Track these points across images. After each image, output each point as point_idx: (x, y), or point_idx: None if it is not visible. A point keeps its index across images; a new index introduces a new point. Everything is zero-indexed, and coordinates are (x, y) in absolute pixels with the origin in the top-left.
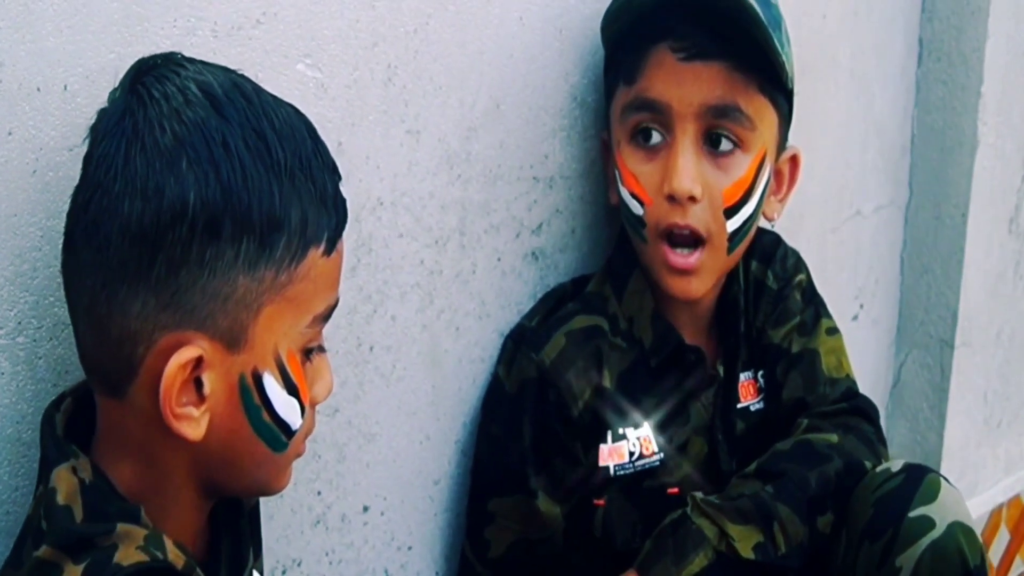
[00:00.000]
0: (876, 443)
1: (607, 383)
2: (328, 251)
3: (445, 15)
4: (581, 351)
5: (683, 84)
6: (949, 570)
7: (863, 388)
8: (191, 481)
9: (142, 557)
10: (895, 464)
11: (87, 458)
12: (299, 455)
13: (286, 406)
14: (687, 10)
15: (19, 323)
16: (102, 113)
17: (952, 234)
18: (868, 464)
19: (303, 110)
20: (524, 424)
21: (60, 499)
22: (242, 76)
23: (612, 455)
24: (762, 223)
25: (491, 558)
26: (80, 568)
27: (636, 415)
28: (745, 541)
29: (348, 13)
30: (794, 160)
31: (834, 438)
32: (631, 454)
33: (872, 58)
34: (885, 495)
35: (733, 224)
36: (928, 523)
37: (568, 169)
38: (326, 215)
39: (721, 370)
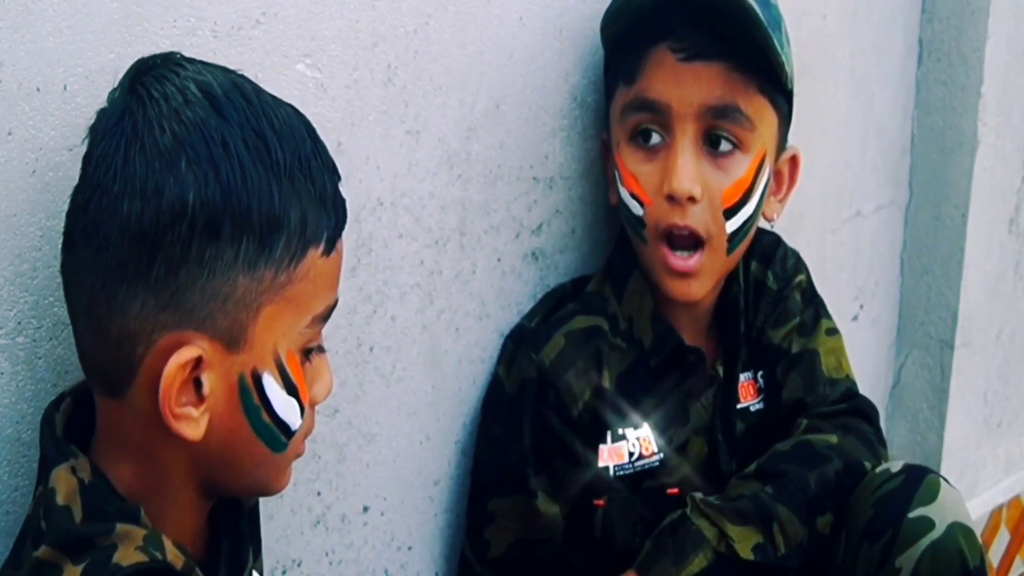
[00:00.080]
0: (876, 444)
1: (607, 383)
2: (327, 251)
3: (445, 15)
4: (581, 351)
5: (683, 84)
6: (949, 571)
7: (863, 389)
8: (190, 481)
9: (141, 557)
10: (895, 465)
11: (86, 458)
12: (299, 455)
13: (285, 406)
14: (687, 10)
15: (19, 323)
16: (101, 113)
17: (952, 234)
18: (868, 465)
19: (303, 110)
20: (524, 424)
21: (59, 499)
22: (242, 76)
23: (612, 455)
24: (762, 223)
25: (491, 558)
26: (79, 568)
27: (636, 415)
28: (744, 542)
29: (348, 13)
30: (794, 160)
31: (834, 439)
32: (631, 454)
33: (872, 58)
34: (885, 496)
35: (733, 225)
36: (928, 524)
37: (568, 169)
38: (325, 215)
39: (721, 370)
